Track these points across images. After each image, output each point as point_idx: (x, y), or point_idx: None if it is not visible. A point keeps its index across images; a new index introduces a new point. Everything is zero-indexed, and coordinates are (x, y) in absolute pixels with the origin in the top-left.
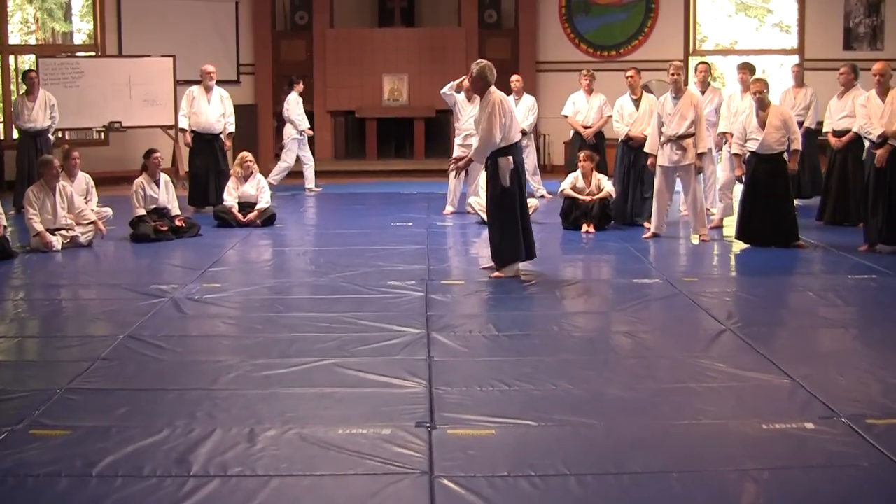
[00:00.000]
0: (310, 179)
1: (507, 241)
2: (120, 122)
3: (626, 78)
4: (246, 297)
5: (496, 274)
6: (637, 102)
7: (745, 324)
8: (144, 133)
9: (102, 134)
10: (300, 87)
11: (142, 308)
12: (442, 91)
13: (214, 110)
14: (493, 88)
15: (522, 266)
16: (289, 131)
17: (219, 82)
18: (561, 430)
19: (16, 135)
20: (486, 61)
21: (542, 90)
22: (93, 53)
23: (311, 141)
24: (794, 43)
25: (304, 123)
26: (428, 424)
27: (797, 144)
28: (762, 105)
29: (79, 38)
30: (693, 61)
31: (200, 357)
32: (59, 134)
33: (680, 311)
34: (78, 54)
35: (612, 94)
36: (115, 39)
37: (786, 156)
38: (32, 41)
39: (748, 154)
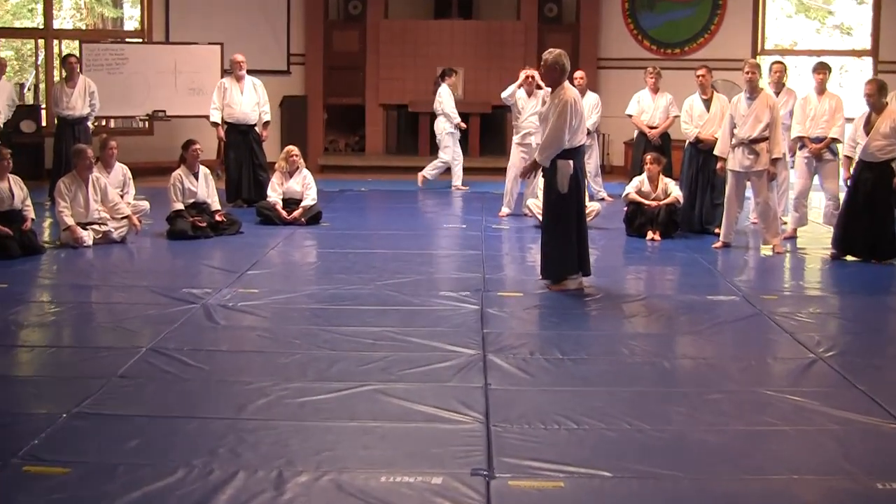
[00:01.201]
0: (457, 177)
1: (559, 253)
2: (164, 112)
3: (697, 77)
4: (284, 305)
5: (555, 287)
6: (707, 103)
7: (838, 352)
8: (190, 123)
9: (146, 123)
10: (452, 79)
11: (170, 315)
12: (504, 95)
13: (248, 100)
14: (567, 84)
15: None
16: (442, 126)
17: (269, 73)
18: (641, 484)
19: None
20: (559, 49)
21: (603, 88)
22: (139, 40)
23: (362, 136)
24: (864, 44)
25: (457, 117)
26: (485, 472)
27: None
28: (875, 108)
29: (130, 26)
30: (761, 61)
31: (229, 377)
32: (102, 122)
33: (761, 335)
34: (123, 40)
35: (675, 94)
36: (162, 26)
37: None
38: (83, 27)
39: (857, 160)
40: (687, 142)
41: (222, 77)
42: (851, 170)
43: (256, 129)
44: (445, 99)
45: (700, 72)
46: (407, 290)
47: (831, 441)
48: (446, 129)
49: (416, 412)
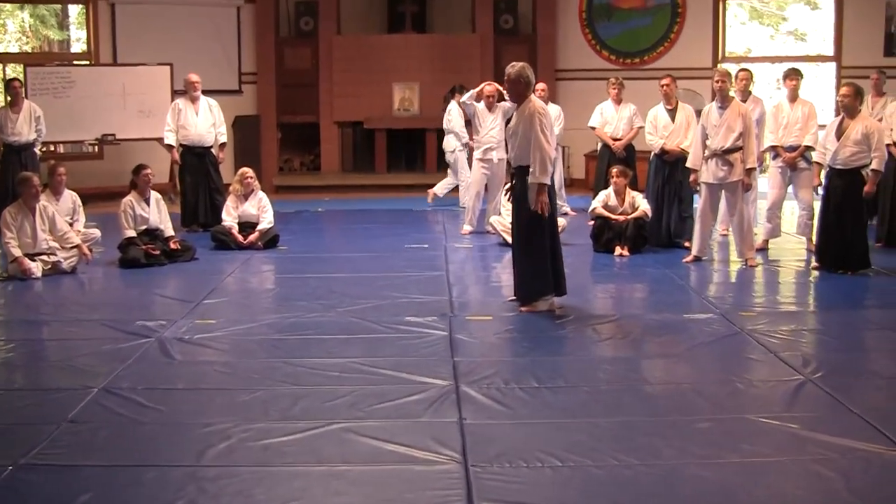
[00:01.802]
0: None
1: (534, 273)
2: (113, 135)
3: (661, 86)
4: (243, 337)
5: (525, 308)
6: (672, 113)
7: (826, 372)
8: (141, 146)
9: (96, 147)
10: (461, 96)
11: (124, 351)
12: (461, 100)
13: (203, 121)
14: (533, 95)
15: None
16: (453, 143)
17: (220, 92)
18: None
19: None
20: (522, 63)
21: (562, 99)
22: (86, 62)
23: (317, 154)
24: (818, 49)
25: (466, 135)
26: None
27: (877, 164)
28: (849, 113)
29: (78, 48)
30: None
31: (187, 418)
32: (51, 147)
33: (744, 355)
34: (70, 63)
35: (636, 104)
36: (109, 48)
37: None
38: (29, 51)
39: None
40: (652, 153)
41: (172, 98)
42: (822, 177)
43: (213, 150)
44: (455, 116)
45: (664, 81)
46: (371, 317)
47: (833, 472)
48: (457, 147)
49: (388, 452)
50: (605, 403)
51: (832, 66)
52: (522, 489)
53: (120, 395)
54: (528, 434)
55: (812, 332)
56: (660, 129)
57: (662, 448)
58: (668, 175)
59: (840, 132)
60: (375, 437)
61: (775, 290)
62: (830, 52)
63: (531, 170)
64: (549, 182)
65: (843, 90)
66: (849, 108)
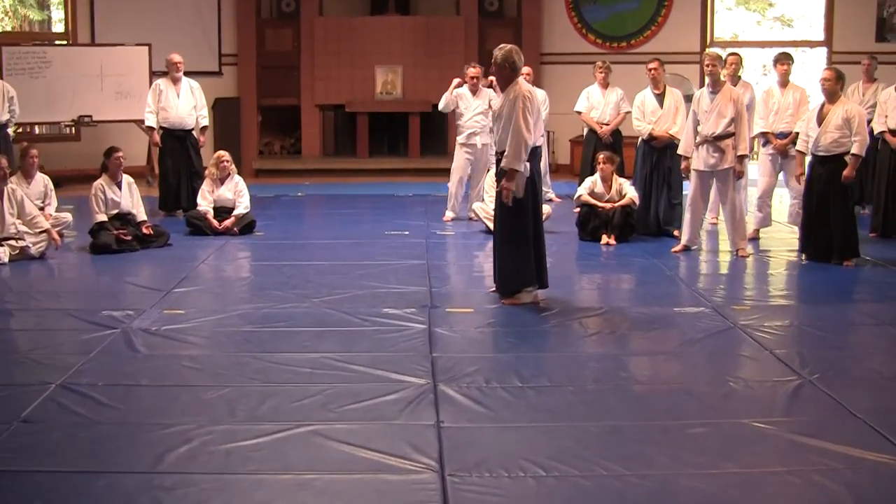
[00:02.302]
0: None
1: (516, 265)
2: (90, 117)
3: (649, 70)
4: (213, 329)
5: (508, 301)
6: (660, 98)
7: (824, 372)
8: (118, 128)
9: (73, 129)
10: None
11: (86, 343)
12: (440, 107)
13: (185, 104)
14: (520, 79)
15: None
16: None
17: (200, 74)
18: None
19: None
20: (510, 45)
21: (547, 83)
22: (65, 42)
23: (298, 138)
24: (805, 35)
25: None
26: None
27: (857, 149)
28: (829, 97)
29: (60, 29)
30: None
31: (147, 418)
32: (27, 129)
33: (739, 353)
34: (47, 43)
35: (622, 89)
36: (88, 28)
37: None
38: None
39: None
40: (640, 139)
41: (151, 79)
42: (805, 166)
43: (194, 133)
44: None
45: (652, 65)
46: (347, 308)
47: (838, 484)
48: None
49: (360, 459)
50: (592, 405)
51: (823, 51)
52: (503, 502)
53: (78, 391)
54: (510, 439)
55: (808, 328)
56: (647, 114)
57: (654, 456)
58: (657, 161)
59: (821, 118)
60: (346, 442)
61: (768, 281)
62: (820, 37)
63: (505, 153)
64: (520, 169)
65: (825, 74)
66: (830, 92)
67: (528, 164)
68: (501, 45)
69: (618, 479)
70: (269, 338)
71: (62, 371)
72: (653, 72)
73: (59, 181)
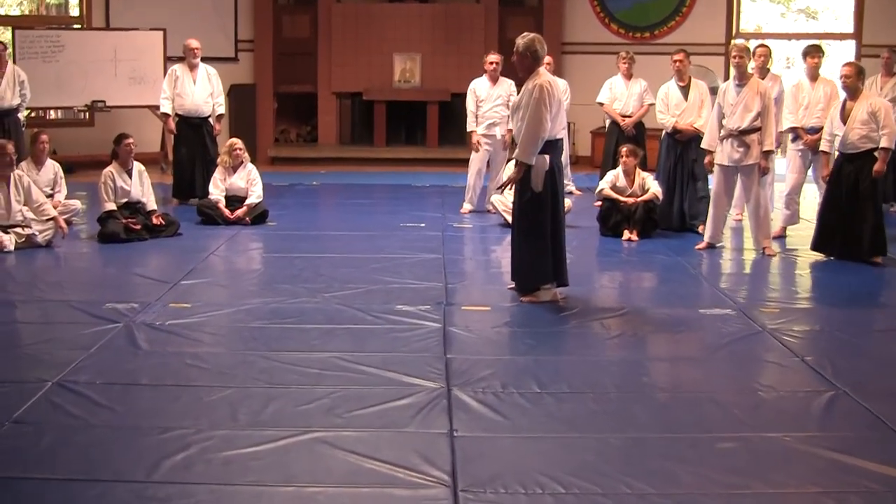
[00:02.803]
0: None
1: (533, 261)
2: (104, 102)
3: (674, 62)
4: (219, 324)
5: (527, 299)
6: (685, 90)
7: (860, 382)
8: (133, 113)
9: (86, 114)
10: None
11: (87, 338)
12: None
13: (201, 91)
14: (542, 69)
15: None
16: None
17: (215, 60)
18: None
19: None
20: (533, 34)
21: (568, 74)
22: (78, 26)
23: (314, 126)
24: (827, 27)
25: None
26: None
27: (886, 142)
28: (851, 94)
29: (76, 13)
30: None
31: (144, 421)
32: (40, 114)
33: (768, 358)
34: (62, 27)
35: (645, 80)
36: (102, 12)
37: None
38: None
39: (837, 153)
40: (664, 132)
41: (165, 64)
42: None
43: (210, 121)
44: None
45: (677, 56)
46: (359, 304)
47: None
48: None
49: (367, 471)
50: (614, 414)
51: (851, 43)
52: None
53: (75, 390)
54: (528, 451)
55: (838, 333)
56: (671, 106)
57: (680, 473)
58: (680, 155)
59: (844, 115)
60: (353, 451)
61: (796, 282)
62: (850, 29)
63: (518, 144)
64: (530, 162)
65: (845, 70)
66: (851, 88)
67: (547, 158)
68: (524, 34)
69: (641, 497)
70: (277, 335)
71: (60, 367)
72: (678, 63)
73: (73, 167)
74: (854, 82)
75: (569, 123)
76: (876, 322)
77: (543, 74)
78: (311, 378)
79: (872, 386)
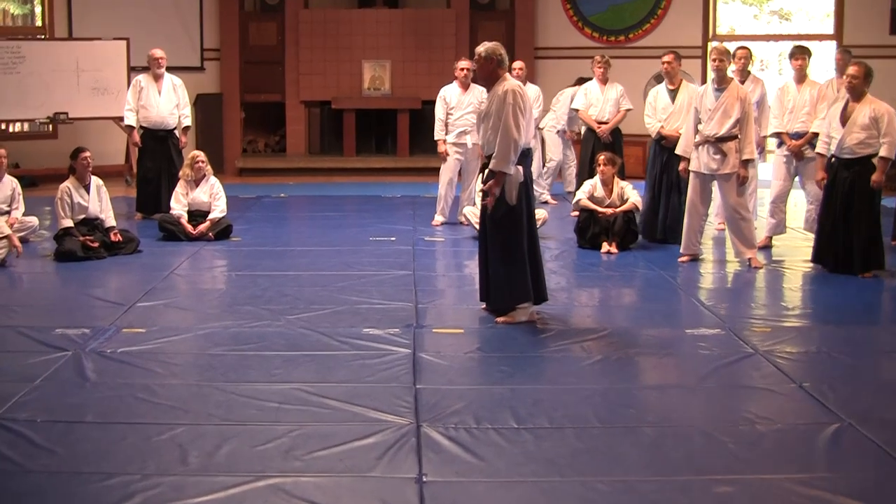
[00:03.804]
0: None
1: (509, 279)
2: (66, 114)
3: (663, 64)
4: (174, 351)
5: (502, 320)
6: (674, 94)
7: (865, 412)
8: (97, 125)
9: (49, 126)
10: None
11: (32, 368)
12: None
13: (167, 102)
14: (507, 75)
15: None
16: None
17: (181, 69)
18: None
19: None
20: (494, 42)
21: (542, 79)
22: (41, 36)
23: (283, 135)
24: (799, 29)
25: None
26: None
27: (886, 151)
28: (855, 96)
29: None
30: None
31: (85, 466)
32: (2, 126)
33: (763, 386)
34: (20, 37)
35: (623, 85)
36: (65, 22)
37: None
38: None
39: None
40: (652, 138)
41: (129, 75)
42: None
43: (175, 133)
44: (563, 100)
45: (666, 58)
46: (324, 327)
47: None
48: (549, 125)
49: None
50: (598, 453)
51: (831, 44)
52: None
53: (13, 429)
54: (504, 499)
55: (837, 354)
56: (658, 110)
57: None
58: (667, 162)
59: (845, 118)
60: (312, 501)
61: (786, 297)
62: (829, 30)
63: (493, 154)
64: (509, 171)
65: (853, 70)
66: (856, 90)
67: (520, 168)
68: (485, 42)
69: None
70: (235, 363)
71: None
72: (667, 66)
73: (36, 181)
74: (861, 84)
75: (541, 129)
76: (878, 342)
77: (509, 80)
78: (269, 413)
79: (879, 416)
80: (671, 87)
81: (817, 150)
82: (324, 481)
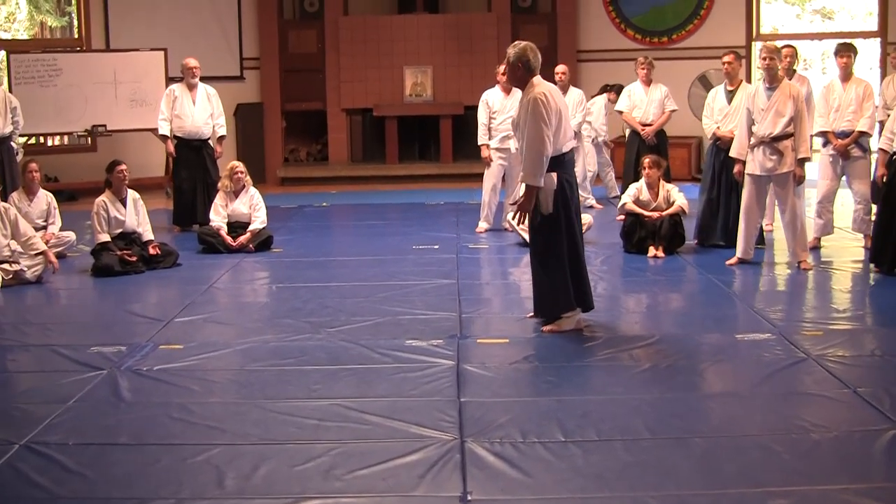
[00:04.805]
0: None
1: (551, 287)
2: (104, 126)
3: (723, 64)
4: (212, 368)
5: (549, 328)
6: (731, 95)
7: None
8: (136, 137)
9: (88, 139)
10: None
11: (66, 389)
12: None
13: (201, 112)
14: (537, 79)
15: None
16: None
17: (221, 79)
18: None
19: None
20: (525, 43)
21: (585, 82)
22: (78, 48)
23: (325, 144)
24: (842, 27)
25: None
26: None
27: None
28: None
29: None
30: (754, 48)
31: (118, 490)
32: (40, 140)
33: (817, 392)
34: (58, 49)
35: (668, 86)
36: (102, 33)
37: None
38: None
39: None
40: (706, 139)
41: (167, 86)
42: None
43: (210, 143)
44: (596, 111)
45: (726, 59)
46: (365, 339)
47: None
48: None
49: None
50: (649, 467)
51: (875, 42)
52: None
53: (44, 453)
54: None
55: (892, 358)
56: (715, 111)
57: None
58: (724, 162)
59: None
60: None
61: (837, 300)
62: (872, 27)
63: (522, 168)
64: (539, 184)
65: None
66: None
67: (555, 176)
68: (515, 43)
69: None
70: (274, 379)
71: (32, 426)
72: (726, 66)
73: (76, 195)
74: None
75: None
76: None
77: (538, 85)
78: (308, 431)
79: None
80: (730, 88)
81: (880, 145)
82: (365, 502)
